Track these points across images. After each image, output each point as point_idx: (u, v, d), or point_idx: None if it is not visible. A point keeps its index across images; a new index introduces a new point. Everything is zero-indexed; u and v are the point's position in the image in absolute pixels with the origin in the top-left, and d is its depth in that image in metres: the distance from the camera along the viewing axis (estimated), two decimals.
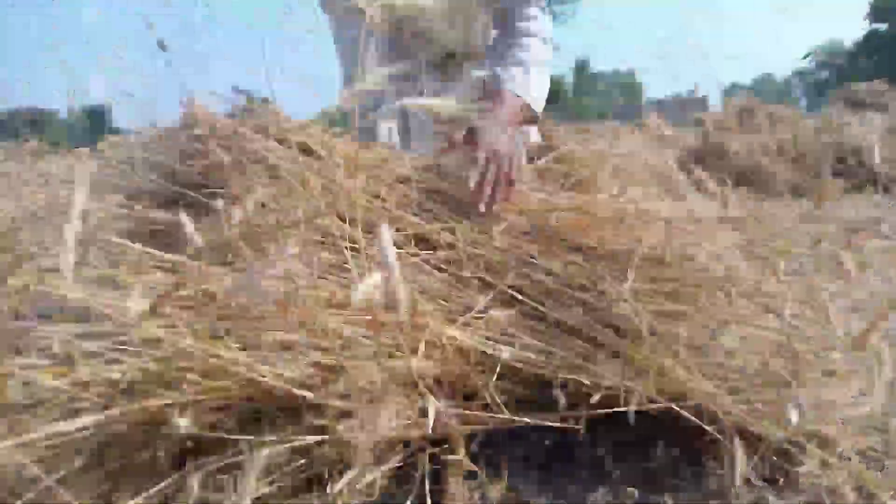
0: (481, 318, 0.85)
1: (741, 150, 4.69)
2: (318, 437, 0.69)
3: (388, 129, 1.37)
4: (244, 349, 0.70)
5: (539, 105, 1.32)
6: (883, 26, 37.81)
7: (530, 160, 1.95)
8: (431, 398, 0.72)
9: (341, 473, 0.68)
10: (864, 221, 2.99)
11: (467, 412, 0.79)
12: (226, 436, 0.67)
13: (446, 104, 1.56)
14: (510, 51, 1.35)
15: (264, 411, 0.72)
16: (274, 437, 0.67)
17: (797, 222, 2.89)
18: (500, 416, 0.78)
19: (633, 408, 0.76)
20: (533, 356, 0.83)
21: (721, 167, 4.67)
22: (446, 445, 0.77)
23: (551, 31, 1.41)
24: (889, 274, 1.85)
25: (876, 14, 38.14)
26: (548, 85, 1.37)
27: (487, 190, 1.02)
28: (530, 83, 1.29)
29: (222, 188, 0.93)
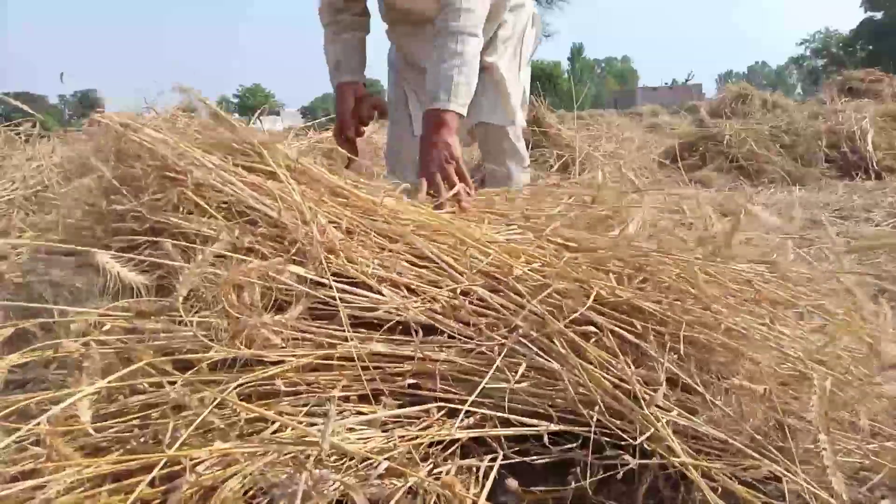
0: None
1: (735, 137, 4.69)
2: None
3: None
4: None
5: (463, 107, 1.38)
6: (878, 14, 37.78)
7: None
8: None
9: None
10: (856, 208, 3.01)
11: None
12: None
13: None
14: (441, 61, 1.40)
15: None
16: None
17: (790, 209, 2.91)
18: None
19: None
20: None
21: (715, 154, 4.68)
22: None
23: (478, 22, 1.44)
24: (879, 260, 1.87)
25: (871, 2, 38.08)
26: (472, 77, 1.41)
27: (446, 194, 1.18)
28: (455, 93, 1.37)
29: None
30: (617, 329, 0.84)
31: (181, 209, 0.88)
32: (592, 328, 0.84)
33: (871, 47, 36.45)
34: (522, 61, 1.78)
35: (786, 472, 0.74)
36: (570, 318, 0.83)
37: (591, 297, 0.85)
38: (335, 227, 0.89)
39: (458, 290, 0.86)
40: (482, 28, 1.45)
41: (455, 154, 1.30)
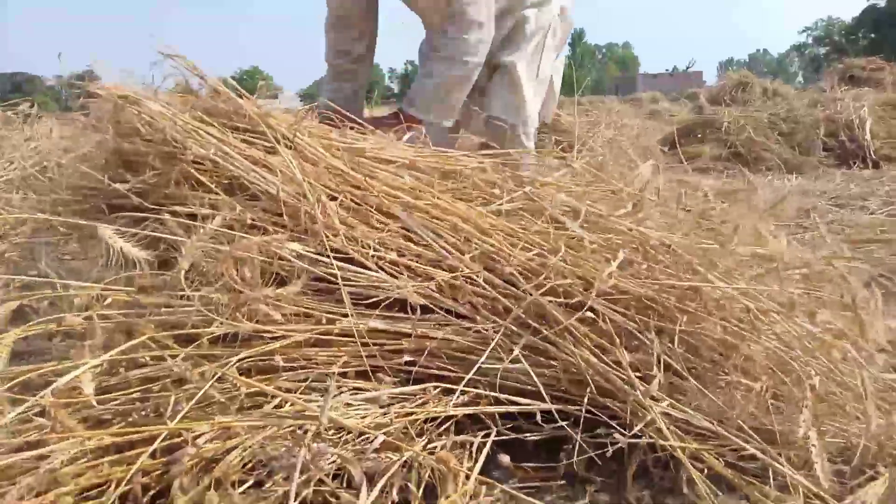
0: None
1: (733, 124, 4.68)
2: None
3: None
4: None
5: (438, 116, 1.59)
6: (880, 2, 37.52)
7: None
8: None
9: None
10: (852, 196, 3.02)
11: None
12: None
13: None
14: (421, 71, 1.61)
15: None
16: None
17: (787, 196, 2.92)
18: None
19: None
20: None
21: (713, 141, 4.68)
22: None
23: (467, 51, 1.56)
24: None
25: None
26: (444, 90, 1.58)
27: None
28: (420, 100, 1.57)
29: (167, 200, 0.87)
30: (614, 316, 0.84)
31: (182, 185, 0.88)
32: (589, 314, 0.85)
33: (873, 35, 36.26)
34: (544, 56, 1.78)
35: (773, 462, 0.75)
36: (575, 314, 0.83)
37: (594, 292, 0.85)
38: (333, 200, 0.89)
39: (457, 274, 0.87)
40: (484, 50, 1.55)
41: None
